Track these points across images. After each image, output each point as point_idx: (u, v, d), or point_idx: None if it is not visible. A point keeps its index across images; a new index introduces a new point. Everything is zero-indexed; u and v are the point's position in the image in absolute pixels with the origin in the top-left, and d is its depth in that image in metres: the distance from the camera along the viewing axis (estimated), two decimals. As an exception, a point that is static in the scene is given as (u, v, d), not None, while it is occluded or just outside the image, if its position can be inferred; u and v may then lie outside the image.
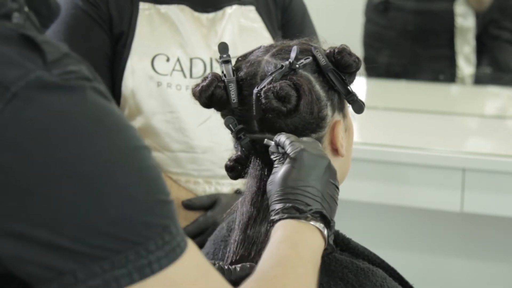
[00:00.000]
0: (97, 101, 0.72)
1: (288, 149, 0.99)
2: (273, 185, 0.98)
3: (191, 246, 0.75)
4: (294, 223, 0.94)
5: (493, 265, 2.32)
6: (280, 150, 1.01)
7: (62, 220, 0.69)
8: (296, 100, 1.03)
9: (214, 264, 1.02)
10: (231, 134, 1.08)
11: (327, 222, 0.96)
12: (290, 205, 0.95)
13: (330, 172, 0.99)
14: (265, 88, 1.03)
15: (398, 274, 1.12)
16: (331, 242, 0.97)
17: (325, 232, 0.95)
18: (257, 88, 1.04)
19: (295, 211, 0.94)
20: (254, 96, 1.05)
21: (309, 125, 1.05)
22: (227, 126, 1.07)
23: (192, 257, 0.75)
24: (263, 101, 1.03)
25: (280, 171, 0.98)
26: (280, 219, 0.95)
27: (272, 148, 1.02)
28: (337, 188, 1.00)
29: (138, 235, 0.70)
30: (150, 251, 0.71)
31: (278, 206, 0.96)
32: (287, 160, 0.98)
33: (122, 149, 0.72)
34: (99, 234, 0.69)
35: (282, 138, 1.01)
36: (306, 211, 0.94)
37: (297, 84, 1.04)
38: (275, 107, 1.02)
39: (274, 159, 1.01)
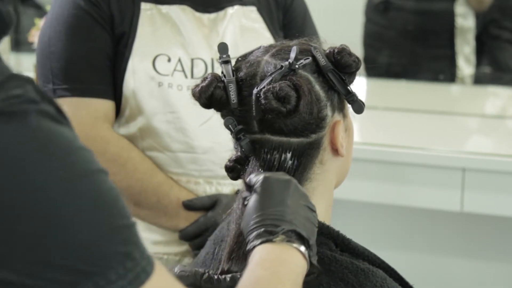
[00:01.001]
0: (42, 126, 0.68)
1: (252, 181, 0.99)
2: (244, 220, 0.97)
3: (158, 268, 0.73)
4: (269, 246, 0.91)
5: (493, 265, 2.32)
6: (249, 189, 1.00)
7: (10, 255, 0.65)
8: (296, 100, 1.03)
9: (204, 273, 1.01)
10: (231, 134, 1.08)
11: (305, 241, 0.93)
12: (262, 229, 0.93)
13: (299, 193, 0.97)
14: (265, 88, 1.03)
15: (398, 274, 1.12)
16: (314, 262, 0.95)
17: (303, 250, 0.92)
18: (257, 88, 1.05)
19: (268, 234, 0.92)
20: (253, 97, 1.05)
21: (309, 125, 1.06)
22: (227, 126, 1.07)
23: (159, 280, 0.72)
24: (263, 101, 1.03)
25: (248, 204, 0.97)
26: (254, 247, 0.92)
27: (243, 194, 1.01)
28: (311, 209, 0.98)
29: (95, 265, 0.67)
30: (110, 281, 0.68)
31: (251, 235, 0.94)
32: (253, 192, 0.98)
33: (72, 174, 0.68)
34: (52, 266, 0.66)
35: (248, 177, 1.01)
36: (277, 231, 0.92)
37: (296, 84, 1.04)
38: (274, 108, 1.02)
39: (246, 202, 0.99)
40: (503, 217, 2.19)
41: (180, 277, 1.01)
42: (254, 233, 0.93)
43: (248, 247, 0.93)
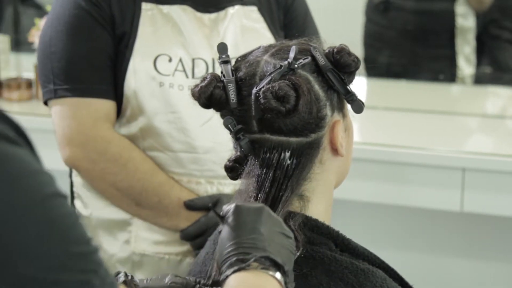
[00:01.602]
0: None
1: (224, 212, 0.95)
2: (218, 252, 0.94)
3: None
4: (243, 275, 0.89)
5: (493, 265, 2.32)
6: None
7: None
8: (295, 100, 1.03)
9: (195, 285, 1.01)
10: (230, 134, 1.08)
11: (281, 267, 0.90)
12: (234, 258, 0.90)
13: (272, 220, 0.94)
14: (264, 88, 1.03)
15: (398, 275, 1.12)
16: None
17: (279, 277, 0.89)
18: (256, 88, 1.05)
19: (240, 263, 0.89)
20: (253, 96, 1.05)
21: (308, 125, 1.06)
22: (226, 126, 1.08)
23: None
24: (262, 101, 1.03)
25: (221, 236, 0.94)
26: (227, 277, 0.90)
27: (219, 228, 0.97)
28: (287, 236, 0.95)
29: None
30: None
31: (224, 266, 0.91)
32: (225, 222, 0.94)
33: (24, 199, 0.65)
34: None
35: (222, 209, 0.97)
36: (249, 259, 0.89)
37: (296, 84, 1.04)
38: (274, 107, 1.02)
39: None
40: (503, 217, 2.19)
41: None
42: (227, 263, 0.90)
43: (221, 277, 0.91)
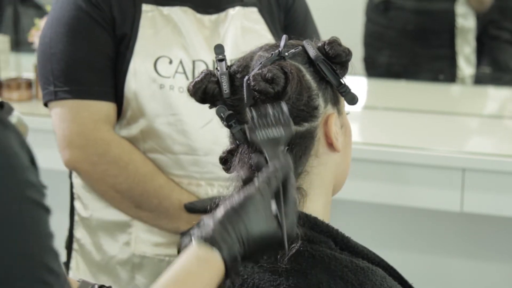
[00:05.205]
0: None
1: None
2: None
3: None
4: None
5: (493, 265, 2.32)
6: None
7: None
8: (284, 82, 1.04)
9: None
10: (222, 123, 1.09)
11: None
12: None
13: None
14: (254, 73, 1.05)
15: (397, 273, 1.12)
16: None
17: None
18: (247, 76, 1.06)
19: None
20: (244, 83, 1.06)
21: (300, 112, 1.06)
22: (218, 115, 1.08)
23: None
24: (252, 83, 1.04)
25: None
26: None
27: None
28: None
29: None
30: None
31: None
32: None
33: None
34: None
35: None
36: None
37: (284, 67, 1.05)
38: (262, 89, 1.03)
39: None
40: (503, 217, 2.19)
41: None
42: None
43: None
